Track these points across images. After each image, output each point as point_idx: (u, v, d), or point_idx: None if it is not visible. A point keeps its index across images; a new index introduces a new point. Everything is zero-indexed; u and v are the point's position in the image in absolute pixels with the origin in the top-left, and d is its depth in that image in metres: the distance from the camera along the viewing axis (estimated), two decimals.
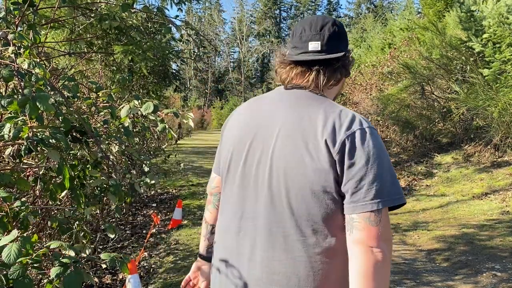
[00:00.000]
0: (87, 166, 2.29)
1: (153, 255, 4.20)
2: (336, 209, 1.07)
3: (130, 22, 3.68)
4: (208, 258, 1.41)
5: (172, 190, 7.45)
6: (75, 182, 2.13)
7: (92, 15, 3.47)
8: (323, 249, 1.08)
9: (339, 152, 1.05)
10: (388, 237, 1.04)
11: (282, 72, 1.25)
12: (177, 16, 3.94)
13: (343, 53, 1.18)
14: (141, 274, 3.72)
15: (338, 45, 1.20)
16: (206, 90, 51.08)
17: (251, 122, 1.22)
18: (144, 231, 4.97)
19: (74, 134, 2.09)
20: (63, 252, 1.55)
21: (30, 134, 1.64)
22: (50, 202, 2.29)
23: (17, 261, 1.39)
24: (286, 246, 1.10)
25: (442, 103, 7.91)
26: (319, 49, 1.17)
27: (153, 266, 3.94)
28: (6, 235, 1.54)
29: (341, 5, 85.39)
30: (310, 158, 1.07)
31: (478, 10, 6.99)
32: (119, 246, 4.44)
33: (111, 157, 2.54)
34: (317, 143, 1.07)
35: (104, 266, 3.64)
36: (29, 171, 2.20)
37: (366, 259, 1.01)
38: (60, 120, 1.90)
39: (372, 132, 1.10)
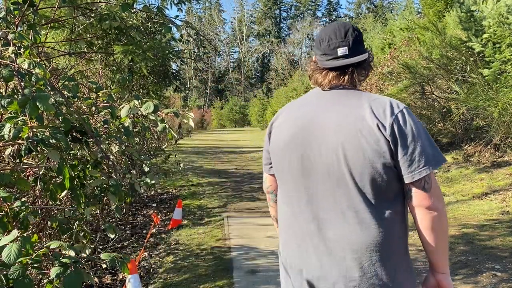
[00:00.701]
0: (87, 166, 2.28)
1: (153, 255, 4.20)
2: (393, 180, 1.31)
3: (130, 22, 3.68)
4: None
5: (172, 190, 7.45)
6: (75, 182, 2.13)
7: (92, 15, 3.47)
8: (387, 214, 1.31)
9: (391, 134, 1.28)
10: (439, 194, 1.32)
11: (318, 77, 1.44)
12: (177, 16, 3.94)
13: (367, 54, 1.41)
14: (141, 274, 3.72)
15: (360, 47, 1.42)
16: (206, 90, 51.08)
17: (302, 122, 1.41)
18: (144, 231, 4.97)
19: (74, 134, 2.09)
20: (63, 252, 1.55)
21: (30, 134, 1.64)
22: (50, 202, 2.29)
23: (17, 261, 1.39)
24: (358, 220, 1.30)
25: (442, 103, 7.91)
26: (347, 53, 1.38)
27: (153, 266, 3.94)
28: (6, 235, 1.54)
29: (341, 5, 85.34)
30: (366, 142, 1.29)
31: (478, 10, 6.99)
32: (119, 246, 4.44)
33: (111, 157, 2.54)
34: (370, 129, 1.29)
35: (104, 266, 3.64)
36: (29, 171, 2.20)
37: (427, 218, 1.31)
38: (60, 120, 1.90)
39: (408, 111, 1.34)
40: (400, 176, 1.30)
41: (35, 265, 1.44)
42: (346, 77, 1.40)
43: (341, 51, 1.39)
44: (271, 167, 1.55)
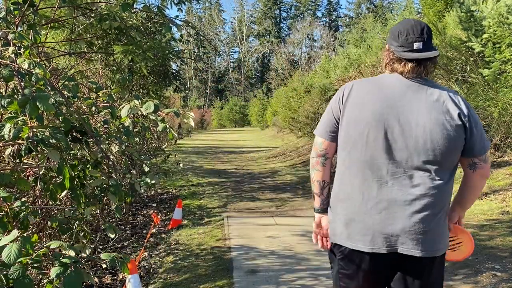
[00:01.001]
0: (87, 166, 2.29)
1: (153, 255, 4.20)
2: (458, 157, 1.69)
3: (130, 22, 3.68)
4: (324, 210, 1.84)
5: (172, 190, 7.45)
6: (75, 182, 2.13)
7: (92, 15, 3.47)
8: (449, 181, 1.68)
9: (467, 122, 1.63)
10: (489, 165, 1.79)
11: (398, 66, 1.69)
12: (177, 16, 3.95)
13: (437, 51, 1.69)
14: (141, 274, 3.72)
15: (431, 44, 1.68)
16: (206, 90, 51.08)
17: (389, 102, 1.66)
18: (144, 231, 4.97)
19: (74, 134, 2.09)
20: (63, 252, 1.55)
21: (30, 134, 1.64)
22: (50, 202, 2.30)
23: (17, 261, 1.39)
24: (432, 185, 1.64)
25: None
26: (421, 47, 1.64)
27: (153, 266, 3.94)
28: (6, 235, 1.54)
29: (341, 5, 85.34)
30: (449, 125, 1.62)
31: (478, 10, 6.99)
32: (119, 246, 4.44)
33: (111, 157, 2.54)
34: (452, 116, 1.62)
35: (104, 266, 3.65)
36: (29, 171, 2.21)
37: (483, 182, 1.78)
38: (60, 120, 1.90)
39: (469, 104, 1.71)
40: (463, 153, 1.68)
41: (35, 265, 1.44)
42: (422, 68, 1.67)
43: (416, 45, 1.65)
44: (334, 134, 1.76)
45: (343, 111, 1.72)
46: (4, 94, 1.94)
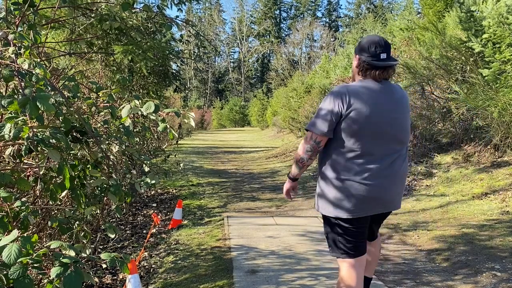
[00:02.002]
0: (88, 166, 2.29)
1: (153, 255, 4.20)
2: None
3: (131, 22, 3.68)
4: (297, 179, 2.44)
5: (172, 190, 7.45)
6: (75, 182, 2.14)
7: (92, 15, 3.47)
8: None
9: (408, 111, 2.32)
10: None
11: (369, 73, 2.21)
12: (177, 16, 3.94)
13: (398, 60, 2.27)
14: (141, 274, 3.72)
15: (391, 55, 2.22)
16: (206, 90, 51.07)
17: (378, 102, 2.18)
18: (144, 231, 4.97)
19: (74, 134, 2.09)
20: (63, 252, 1.55)
21: (31, 134, 1.64)
22: (51, 202, 2.30)
23: (17, 261, 1.39)
24: (406, 160, 2.31)
25: (442, 103, 7.90)
26: (385, 57, 2.18)
27: (153, 266, 3.94)
28: (6, 235, 1.54)
29: (341, 5, 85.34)
30: (407, 114, 2.29)
31: (478, 10, 6.99)
32: (119, 246, 4.44)
33: (111, 157, 2.54)
34: (407, 106, 2.30)
35: (104, 266, 3.65)
36: (30, 171, 2.21)
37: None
38: (61, 120, 1.90)
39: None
40: None
41: (35, 265, 1.44)
42: (386, 73, 2.21)
43: (383, 55, 2.18)
44: (331, 131, 2.19)
45: (345, 113, 2.15)
46: (4, 94, 1.94)
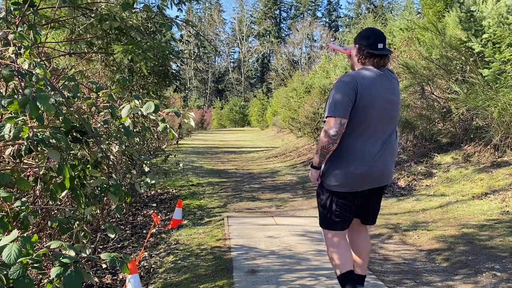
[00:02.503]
0: (87, 166, 2.29)
1: (153, 255, 4.20)
2: None
3: (131, 22, 3.68)
4: (320, 167, 2.56)
5: (172, 190, 7.45)
6: (75, 182, 2.14)
7: (93, 15, 3.47)
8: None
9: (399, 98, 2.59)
10: None
11: (369, 60, 2.47)
12: (177, 16, 3.94)
13: (391, 50, 2.62)
14: (141, 274, 3.72)
15: (386, 45, 2.48)
16: (206, 90, 51.07)
17: (379, 87, 2.44)
18: (144, 231, 4.97)
19: (74, 134, 2.09)
20: (63, 252, 1.55)
21: (31, 134, 1.64)
22: (50, 202, 2.30)
23: (17, 261, 1.39)
24: (396, 140, 2.57)
25: (442, 103, 7.90)
26: (382, 47, 2.44)
27: (153, 266, 3.94)
28: (6, 235, 1.54)
29: (341, 5, 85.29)
30: (399, 99, 2.55)
31: (478, 11, 6.98)
32: (119, 246, 4.44)
33: (111, 157, 2.54)
34: (398, 91, 2.57)
35: (104, 266, 3.65)
36: (29, 171, 2.21)
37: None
38: (61, 120, 1.90)
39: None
40: None
41: (35, 265, 1.44)
42: (383, 61, 2.48)
43: (380, 45, 2.44)
44: (348, 114, 2.38)
45: (358, 97, 2.38)
46: (4, 94, 1.94)
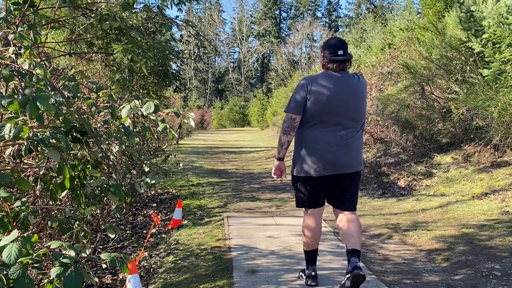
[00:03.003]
0: (88, 166, 2.29)
1: (153, 255, 4.20)
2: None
3: (131, 22, 3.68)
4: (283, 158, 3.05)
5: (172, 190, 7.45)
6: (75, 182, 2.14)
7: (93, 15, 3.47)
8: (362, 129, 2.99)
9: (365, 90, 2.96)
10: None
11: (331, 65, 2.88)
12: (177, 16, 3.94)
13: (351, 55, 2.98)
14: (141, 274, 3.72)
15: (347, 51, 2.90)
16: (206, 90, 51.07)
17: (334, 87, 2.85)
18: (144, 231, 4.97)
19: (74, 134, 2.09)
20: (64, 252, 1.55)
21: (31, 134, 1.65)
22: (51, 202, 2.30)
23: (17, 261, 1.39)
24: (358, 134, 2.93)
25: (442, 103, 7.90)
26: (342, 53, 2.87)
27: (153, 266, 3.94)
28: (6, 235, 1.54)
29: (341, 5, 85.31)
30: (363, 97, 2.93)
31: (478, 11, 6.98)
32: (119, 246, 4.44)
33: (112, 157, 2.54)
34: (363, 92, 2.93)
35: (104, 266, 3.65)
36: (30, 171, 2.21)
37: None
38: (61, 120, 1.90)
39: (364, 78, 3.07)
40: None
41: (35, 265, 1.44)
42: (343, 65, 2.89)
43: (340, 52, 2.87)
44: (300, 110, 2.87)
45: (308, 96, 2.84)
46: (4, 94, 1.94)
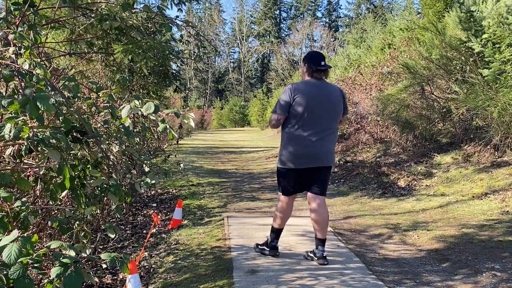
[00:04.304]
0: (88, 166, 2.29)
1: (153, 255, 4.20)
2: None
3: (131, 22, 3.68)
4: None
5: (172, 190, 7.45)
6: (75, 182, 2.14)
7: (93, 15, 3.47)
8: (337, 131, 3.60)
9: (343, 99, 3.57)
10: None
11: (317, 74, 3.45)
12: (177, 16, 3.94)
13: (331, 66, 3.68)
14: (141, 274, 3.72)
15: (326, 63, 3.47)
16: (206, 90, 51.06)
17: (314, 93, 3.38)
18: (144, 231, 4.97)
19: (74, 134, 2.10)
20: (64, 252, 1.55)
21: (31, 134, 1.65)
22: (51, 202, 2.30)
23: (17, 261, 1.39)
24: (334, 134, 3.53)
25: (441, 103, 7.90)
26: (324, 64, 3.44)
27: (153, 266, 3.94)
28: (6, 235, 1.54)
29: (341, 5, 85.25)
30: (340, 104, 3.50)
31: (478, 11, 6.98)
32: (119, 246, 4.44)
33: (112, 157, 2.54)
34: (339, 99, 3.51)
35: (104, 266, 3.65)
36: (30, 171, 2.21)
37: (342, 123, 3.82)
38: (61, 120, 1.90)
39: (342, 90, 3.72)
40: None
41: (35, 265, 1.44)
42: (323, 74, 3.47)
43: (322, 63, 3.44)
44: (286, 112, 3.42)
45: (292, 101, 3.37)
46: (4, 94, 1.94)
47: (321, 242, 3.56)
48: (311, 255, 3.61)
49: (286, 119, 3.46)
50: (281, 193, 3.63)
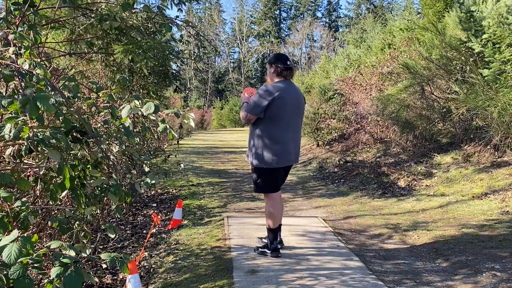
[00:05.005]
0: (88, 166, 2.29)
1: (153, 255, 4.20)
2: None
3: (131, 22, 3.69)
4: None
5: (172, 190, 7.45)
6: (75, 182, 2.14)
7: (93, 16, 3.47)
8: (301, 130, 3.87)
9: (304, 100, 3.86)
10: None
11: (286, 72, 3.67)
12: (177, 16, 3.94)
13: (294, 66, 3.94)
14: (141, 274, 3.72)
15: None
16: (206, 90, 51.06)
17: (290, 96, 3.59)
18: (144, 231, 4.97)
19: (74, 134, 2.10)
20: (64, 252, 1.55)
21: (31, 134, 1.65)
22: (51, 202, 2.30)
23: (17, 261, 1.39)
24: (300, 133, 3.78)
25: (442, 103, 7.90)
26: (289, 64, 3.68)
27: (153, 266, 3.94)
28: (6, 235, 1.54)
29: (341, 5, 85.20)
30: (303, 104, 3.80)
31: (478, 11, 6.98)
32: (119, 246, 4.44)
33: (112, 157, 2.54)
34: (303, 99, 3.80)
35: (104, 266, 3.65)
36: (30, 171, 2.21)
37: None
38: (61, 120, 1.90)
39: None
40: None
41: (35, 265, 1.44)
42: (292, 73, 3.71)
43: (288, 62, 3.65)
44: (262, 113, 3.53)
45: (271, 102, 3.50)
46: (4, 94, 1.94)
47: (280, 228, 3.85)
48: (265, 240, 3.87)
49: (260, 118, 3.56)
50: (269, 192, 3.72)
